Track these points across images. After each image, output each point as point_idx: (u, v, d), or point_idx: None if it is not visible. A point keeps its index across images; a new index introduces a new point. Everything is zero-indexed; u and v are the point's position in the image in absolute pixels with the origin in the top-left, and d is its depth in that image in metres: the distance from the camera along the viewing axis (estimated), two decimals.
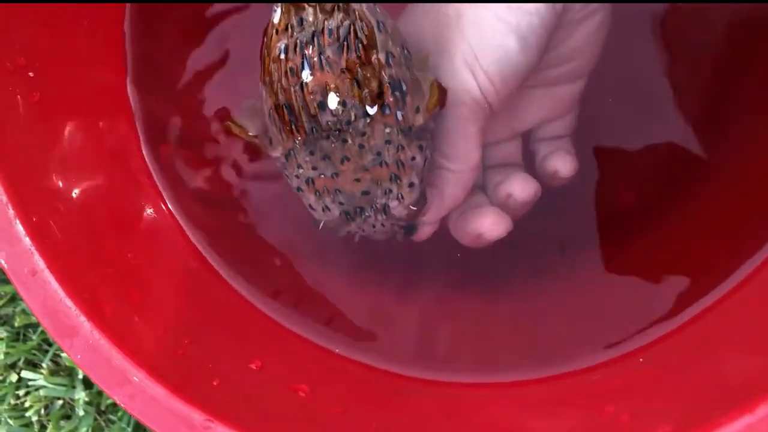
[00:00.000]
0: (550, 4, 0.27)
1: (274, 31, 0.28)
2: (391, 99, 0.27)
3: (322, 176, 0.29)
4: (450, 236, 0.39)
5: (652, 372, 0.29)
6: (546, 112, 0.34)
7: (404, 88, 0.27)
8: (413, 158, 0.29)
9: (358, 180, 0.29)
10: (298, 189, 0.30)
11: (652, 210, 0.37)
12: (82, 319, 0.26)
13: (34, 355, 0.47)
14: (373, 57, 0.27)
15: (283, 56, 0.27)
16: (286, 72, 0.27)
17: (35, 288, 0.26)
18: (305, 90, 0.27)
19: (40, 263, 0.27)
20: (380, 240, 0.32)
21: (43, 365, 0.47)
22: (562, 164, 0.34)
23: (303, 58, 0.27)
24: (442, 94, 0.28)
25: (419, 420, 0.29)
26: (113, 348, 0.26)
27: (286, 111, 0.27)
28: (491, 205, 0.33)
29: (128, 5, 0.33)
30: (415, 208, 0.30)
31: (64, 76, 0.31)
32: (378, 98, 0.27)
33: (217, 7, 0.35)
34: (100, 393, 0.46)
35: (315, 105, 0.27)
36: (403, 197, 0.29)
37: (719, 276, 0.30)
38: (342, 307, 0.34)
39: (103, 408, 0.46)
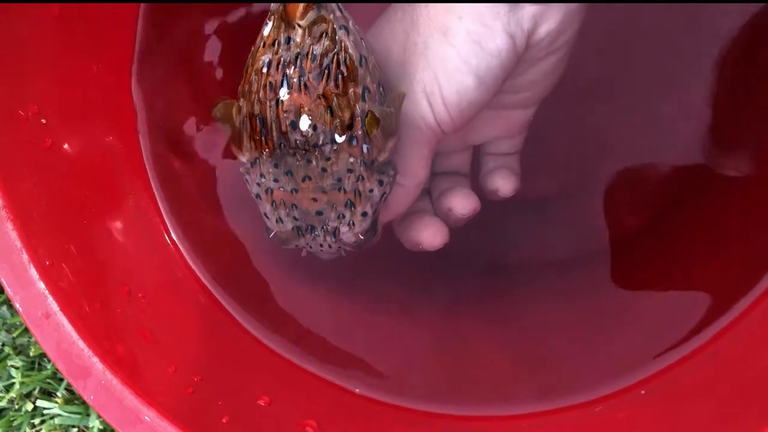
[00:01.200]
0: (513, 47, 0.28)
1: (262, 43, 0.29)
2: (360, 132, 0.28)
3: (282, 189, 0.30)
4: (455, 273, 0.40)
5: (655, 404, 0.29)
6: (498, 131, 0.36)
7: (375, 126, 0.28)
8: (371, 190, 0.30)
9: (314, 200, 0.30)
10: (257, 196, 0.31)
11: (655, 237, 0.38)
12: (95, 360, 0.27)
13: (49, 384, 0.48)
14: (351, 89, 0.28)
15: (265, 70, 0.28)
16: (265, 85, 0.28)
17: (49, 330, 0.27)
18: (280, 107, 0.28)
19: (53, 306, 0.27)
20: (326, 258, 0.33)
21: (58, 394, 0.47)
22: (503, 183, 0.35)
23: (283, 77, 0.28)
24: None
25: None
26: (125, 388, 0.27)
27: (258, 122, 0.28)
28: (433, 211, 0.35)
29: (137, 50, 0.34)
30: (363, 237, 0.31)
31: (76, 122, 0.31)
32: (348, 129, 0.28)
33: (229, 53, 0.36)
34: None
35: (287, 123, 0.28)
36: (354, 224, 0.30)
37: (721, 309, 0.30)
38: (349, 343, 0.35)
39: None
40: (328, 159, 0.29)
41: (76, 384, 0.27)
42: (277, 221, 0.31)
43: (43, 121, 0.30)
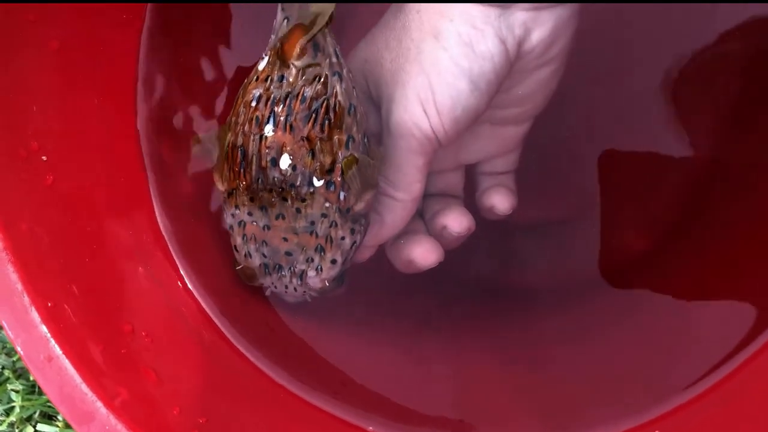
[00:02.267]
0: (504, 52, 0.28)
1: (255, 77, 0.29)
2: (338, 178, 0.29)
3: (254, 224, 0.30)
4: (460, 296, 0.39)
5: None
6: (491, 148, 0.35)
7: (354, 170, 0.29)
8: (343, 238, 0.30)
9: (285, 239, 0.30)
10: (230, 227, 0.31)
11: (669, 257, 0.37)
12: (99, 404, 0.27)
13: (50, 407, 0.48)
14: (336, 136, 0.28)
15: (254, 104, 0.29)
16: (251, 119, 0.29)
17: (51, 374, 0.27)
18: (263, 142, 0.28)
19: (56, 349, 0.27)
20: (290, 301, 0.34)
21: (59, 418, 0.47)
22: (499, 200, 0.35)
23: (271, 113, 0.28)
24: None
25: None
26: None
27: (240, 153, 0.29)
28: (426, 232, 0.34)
29: (139, 81, 0.34)
30: (328, 285, 0.31)
31: (77, 158, 0.31)
32: (327, 174, 0.29)
33: (231, 84, 0.35)
34: None
35: (267, 159, 0.28)
36: (321, 270, 0.31)
37: (737, 345, 0.30)
38: (360, 378, 0.34)
39: None
40: (304, 201, 0.29)
41: (79, 429, 0.27)
42: (245, 255, 0.31)
43: (44, 158, 0.29)
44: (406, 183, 0.31)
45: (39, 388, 0.49)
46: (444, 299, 0.39)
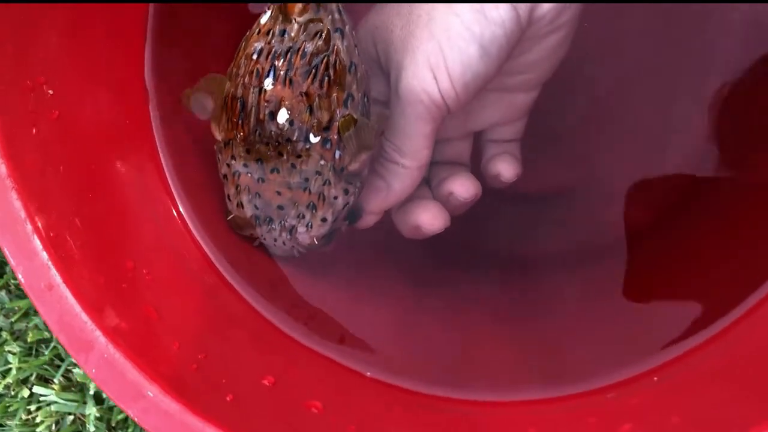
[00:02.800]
0: (516, 18, 0.28)
1: (257, 30, 0.29)
2: (335, 136, 0.29)
3: (249, 175, 0.30)
4: (462, 259, 0.39)
5: (668, 390, 0.28)
6: (499, 115, 0.35)
7: (351, 131, 0.29)
8: (335, 197, 0.30)
9: (279, 193, 0.30)
10: (224, 177, 0.31)
11: (669, 230, 0.37)
12: (98, 333, 0.26)
13: (46, 370, 0.47)
14: (334, 93, 0.29)
15: (255, 56, 0.29)
16: (252, 71, 0.29)
17: (51, 302, 0.27)
18: (262, 95, 0.29)
19: (56, 278, 0.27)
20: (277, 254, 0.34)
21: (55, 381, 0.47)
22: (505, 168, 0.35)
23: (271, 67, 0.28)
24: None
25: None
26: (128, 362, 0.26)
27: (239, 105, 0.29)
28: (433, 199, 0.34)
29: (150, 21, 0.34)
30: (318, 243, 0.31)
31: (84, 95, 0.31)
32: (324, 131, 0.29)
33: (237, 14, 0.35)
34: (110, 408, 0.46)
35: (266, 112, 0.29)
36: (311, 227, 0.31)
37: (737, 296, 0.30)
38: (356, 324, 0.34)
39: (113, 423, 0.46)
40: (299, 156, 0.29)
41: (77, 357, 0.26)
42: (237, 205, 0.31)
43: (50, 92, 0.29)
44: (414, 150, 0.31)
45: (36, 350, 0.48)
46: (446, 263, 0.39)
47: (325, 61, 0.28)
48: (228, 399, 0.27)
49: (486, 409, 0.30)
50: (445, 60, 0.29)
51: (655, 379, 0.29)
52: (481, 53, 0.29)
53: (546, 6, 0.28)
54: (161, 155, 0.34)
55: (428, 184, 0.36)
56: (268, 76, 0.28)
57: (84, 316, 0.27)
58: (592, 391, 0.30)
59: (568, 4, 0.29)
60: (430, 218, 0.33)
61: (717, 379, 0.28)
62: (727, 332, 0.30)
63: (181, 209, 0.34)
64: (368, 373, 0.31)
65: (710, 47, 0.40)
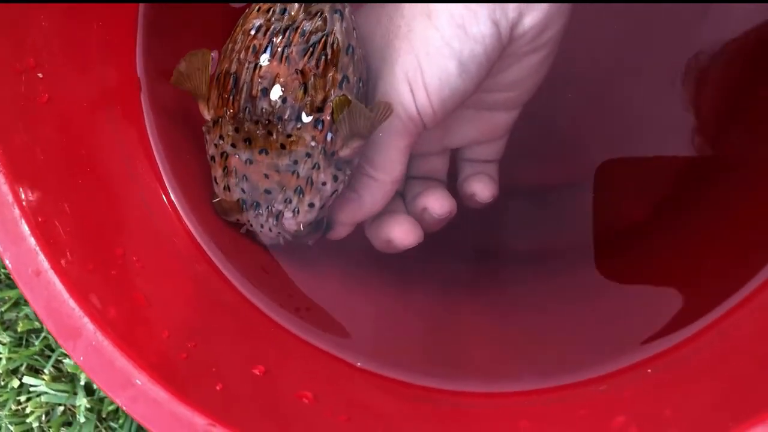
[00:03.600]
0: (497, 35, 0.28)
1: (257, 7, 0.29)
2: (328, 118, 0.28)
3: (237, 156, 0.30)
4: (455, 253, 0.39)
5: (661, 382, 0.28)
6: (477, 133, 0.35)
7: (345, 113, 0.28)
8: (324, 183, 0.30)
9: (266, 176, 0.30)
10: (212, 158, 0.31)
11: (661, 221, 0.37)
12: (86, 320, 0.26)
13: (37, 360, 0.47)
14: (330, 74, 0.28)
15: (253, 32, 0.29)
16: (248, 47, 0.28)
17: (39, 288, 0.26)
18: (257, 71, 0.28)
19: (44, 263, 0.26)
20: (263, 242, 0.33)
21: (45, 371, 0.46)
22: (481, 189, 0.35)
23: (269, 44, 0.28)
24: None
25: (425, 428, 0.29)
26: (116, 350, 0.26)
27: (231, 80, 0.29)
28: (406, 213, 0.34)
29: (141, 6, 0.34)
30: (304, 230, 0.31)
31: (74, 79, 0.31)
32: (317, 111, 0.28)
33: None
34: (101, 400, 0.46)
35: (259, 89, 0.28)
36: (298, 212, 0.30)
37: (730, 286, 0.30)
38: (348, 314, 0.34)
39: (104, 415, 0.46)
40: (290, 136, 0.28)
41: (65, 345, 0.26)
42: (224, 188, 0.31)
43: (40, 75, 0.29)
44: (387, 164, 0.31)
45: (26, 340, 0.48)
46: (437, 255, 0.39)
47: (323, 40, 0.28)
48: (218, 388, 0.27)
49: (477, 401, 0.30)
50: (423, 75, 0.29)
51: (649, 371, 0.29)
52: (460, 70, 0.28)
53: (527, 24, 0.28)
54: (152, 142, 0.33)
55: (403, 199, 0.35)
56: (264, 52, 0.28)
57: (72, 303, 0.26)
58: (584, 382, 0.30)
59: (549, 24, 0.29)
60: (402, 233, 0.33)
61: (709, 372, 0.27)
62: (720, 323, 0.29)
63: (171, 196, 0.33)
64: (358, 364, 0.31)
65: (705, 38, 0.40)
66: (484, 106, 0.33)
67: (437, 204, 0.33)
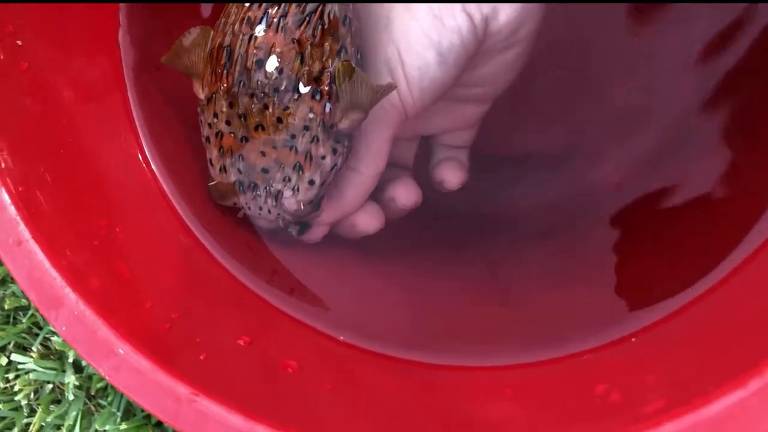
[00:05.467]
0: (472, 29, 0.28)
1: None
2: (326, 88, 0.28)
3: (232, 135, 0.29)
4: (438, 221, 0.39)
5: (645, 351, 0.28)
6: (449, 123, 0.35)
7: (347, 83, 0.28)
8: (323, 157, 0.29)
9: (263, 154, 0.29)
10: (207, 139, 0.30)
11: (645, 193, 0.37)
12: (68, 290, 0.26)
13: (24, 338, 0.47)
14: (327, 43, 0.28)
15: (248, 4, 0.28)
16: (243, 19, 0.28)
17: (20, 258, 0.26)
18: (252, 42, 0.27)
19: (25, 233, 0.26)
20: (263, 226, 0.33)
21: (33, 349, 0.46)
22: (450, 176, 0.35)
23: (264, 14, 0.28)
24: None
25: (410, 398, 0.29)
26: (99, 320, 0.26)
27: (225, 53, 0.28)
28: (372, 200, 0.34)
29: None
30: (304, 209, 0.30)
31: (55, 46, 0.30)
32: (314, 81, 0.28)
33: None
34: (90, 377, 0.46)
35: (254, 60, 0.27)
36: (298, 190, 0.30)
37: (714, 260, 0.30)
38: (332, 288, 0.34)
39: (92, 392, 0.46)
40: (287, 108, 0.28)
41: (47, 315, 0.26)
42: (220, 170, 0.30)
43: (19, 42, 0.29)
44: (373, 156, 0.31)
45: (14, 318, 0.48)
46: (423, 228, 0.39)
47: (319, 9, 0.27)
48: (201, 358, 0.27)
49: (462, 373, 0.30)
50: (404, 65, 0.29)
51: (633, 340, 0.29)
52: (439, 60, 0.29)
53: (502, 20, 0.29)
54: (134, 112, 0.33)
55: None
56: (260, 23, 0.27)
57: (53, 273, 0.26)
58: (569, 355, 0.30)
59: (524, 22, 0.29)
60: (366, 218, 0.33)
61: (692, 341, 0.28)
62: (705, 297, 0.29)
63: (153, 168, 0.33)
64: (341, 338, 0.31)
65: (693, 15, 0.39)
66: (457, 99, 0.34)
67: (404, 195, 0.34)
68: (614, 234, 0.36)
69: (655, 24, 0.40)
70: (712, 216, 0.34)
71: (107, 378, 0.25)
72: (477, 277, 0.36)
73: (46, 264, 0.26)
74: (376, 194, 0.34)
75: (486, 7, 0.28)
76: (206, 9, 0.36)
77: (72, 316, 0.26)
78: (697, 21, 0.39)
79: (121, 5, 0.33)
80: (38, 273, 0.26)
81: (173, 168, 0.33)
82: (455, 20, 0.28)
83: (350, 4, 0.29)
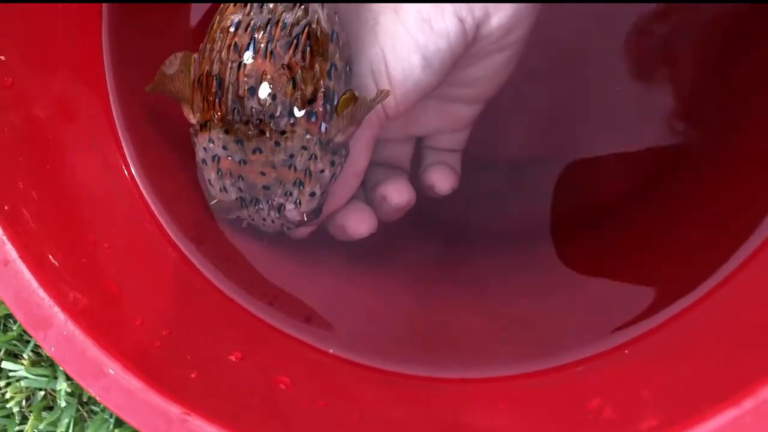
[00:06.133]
0: (462, 31, 0.28)
1: (233, 2, 0.28)
2: (320, 109, 0.28)
3: (229, 158, 0.29)
4: (431, 232, 0.39)
5: (638, 364, 0.28)
6: (439, 123, 0.35)
7: (336, 102, 0.28)
8: (322, 171, 0.29)
9: (263, 174, 0.29)
10: (203, 162, 0.30)
11: (638, 201, 0.37)
12: (56, 309, 0.26)
13: (15, 345, 0.47)
14: (317, 64, 0.27)
15: (232, 29, 0.27)
16: (229, 45, 0.27)
17: (7, 278, 0.26)
18: (241, 70, 0.27)
19: (12, 253, 0.26)
20: (269, 232, 0.33)
21: (25, 356, 0.46)
22: (440, 180, 0.35)
23: (251, 40, 0.27)
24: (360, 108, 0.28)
25: (402, 412, 0.29)
26: (88, 339, 0.25)
27: (215, 82, 0.27)
28: (364, 201, 0.34)
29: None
30: (307, 219, 0.30)
31: (39, 61, 0.30)
32: (308, 104, 0.27)
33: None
34: None
35: (246, 88, 0.27)
36: (300, 203, 0.30)
37: (707, 269, 0.30)
38: (323, 302, 0.34)
39: (85, 399, 0.45)
40: (283, 132, 0.28)
41: (36, 335, 0.26)
42: (221, 190, 0.30)
43: (2, 58, 0.28)
44: (352, 157, 0.30)
45: (4, 325, 0.47)
46: (412, 237, 0.39)
47: (306, 31, 0.27)
48: (193, 376, 0.27)
49: (454, 386, 0.30)
50: (387, 67, 0.29)
51: (626, 351, 0.29)
52: (424, 64, 0.28)
53: (494, 24, 0.28)
54: (119, 127, 0.32)
55: (363, 186, 0.35)
56: (247, 49, 0.27)
57: (41, 293, 0.26)
58: (561, 367, 0.30)
59: (516, 25, 0.29)
60: (356, 220, 0.33)
61: (686, 354, 0.28)
62: (697, 306, 0.29)
63: (139, 182, 0.33)
64: (331, 350, 0.31)
65: (683, 15, 0.39)
66: (447, 99, 0.34)
67: (396, 194, 0.33)
68: (606, 242, 0.36)
69: (644, 25, 0.40)
70: (707, 224, 0.34)
71: (98, 398, 0.25)
72: (469, 288, 0.36)
73: (34, 284, 0.26)
74: (370, 195, 0.34)
75: (478, 11, 0.28)
76: (194, 18, 0.35)
77: (61, 336, 0.26)
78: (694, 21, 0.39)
79: (105, 21, 0.33)
80: (26, 293, 0.26)
81: (160, 182, 0.33)
82: (444, 23, 0.28)
83: (336, 16, 0.28)
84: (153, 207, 0.32)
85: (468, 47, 0.29)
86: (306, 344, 0.31)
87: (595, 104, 0.40)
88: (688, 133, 0.38)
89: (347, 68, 0.29)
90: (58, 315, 0.26)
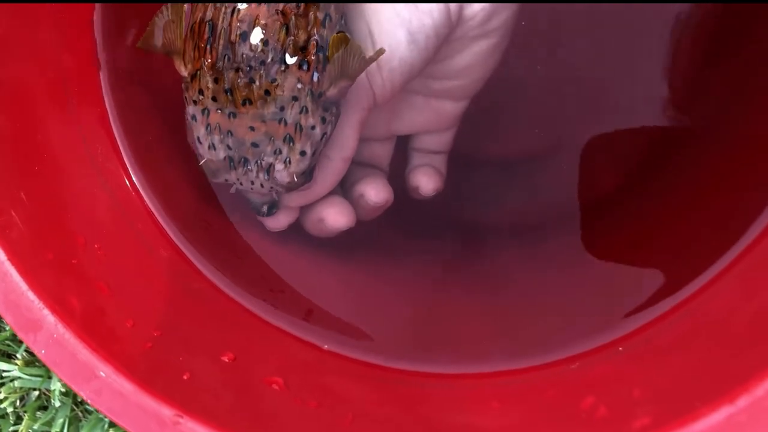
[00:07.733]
0: (446, 10, 0.28)
1: None
2: (313, 57, 0.27)
3: (219, 111, 0.28)
4: (426, 228, 0.39)
5: (632, 361, 0.28)
6: (424, 121, 0.35)
7: (341, 53, 0.27)
8: (313, 127, 0.28)
9: (252, 129, 0.28)
10: (193, 117, 0.29)
11: (632, 198, 0.37)
12: (46, 312, 0.25)
13: (8, 345, 0.46)
14: (312, 12, 0.27)
15: None
16: None
17: None
18: (235, 15, 0.27)
19: (0, 255, 0.26)
20: (256, 201, 0.32)
21: (18, 356, 0.46)
22: (425, 182, 0.35)
23: None
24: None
25: (395, 411, 0.28)
26: (79, 342, 0.25)
27: (207, 28, 0.27)
28: (341, 196, 0.33)
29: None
30: (297, 181, 0.30)
31: (27, 55, 0.29)
32: (300, 51, 0.27)
33: None
34: None
35: (238, 33, 0.27)
36: (290, 162, 0.29)
37: (700, 266, 0.30)
38: (317, 299, 0.34)
39: (79, 399, 0.45)
40: (274, 80, 0.27)
41: (26, 338, 0.25)
42: (209, 147, 0.29)
43: None
44: (341, 140, 0.30)
45: None
46: (407, 233, 0.39)
47: None
48: (185, 377, 0.27)
49: (448, 382, 0.30)
50: (373, 43, 0.28)
51: (620, 349, 0.29)
52: (409, 39, 0.28)
53: (477, 6, 0.28)
54: (112, 123, 0.32)
55: (341, 185, 0.35)
56: None
57: (31, 295, 0.26)
58: (555, 362, 0.29)
59: (499, 8, 0.29)
60: (334, 213, 0.32)
61: (679, 351, 0.27)
62: (691, 301, 0.29)
63: (134, 180, 0.32)
64: (326, 347, 0.31)
65: (675, 8, 0.39)
66: (431, 94, 0.33)
67: (374, 191, 0.33)
68: (597, 241, 0.36)
69: (638, 13, 0.40)
70: (700, 217, 0.34)
71: (89, 401, 0.25)
72: (463, 284, 0.36)
73: (23, 286, 0.26)
74: (348, 193, 0.34)
75: None
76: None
77: (51, 339, 0.25)
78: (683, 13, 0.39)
79: (97, 17, 0.32)
80: (14, 296, 0.25)
81: (152, 178, 0.32)
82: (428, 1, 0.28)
83: None
84: (144, 208, 0.32)
85: (452, 28, 0.29)
86: (299, 344, 0.31)
87: (588, 97, 0.40)
88: (690, 121, 0.38)
89: (342, 21, 0.28)
90: (48, 317, 0.25)
